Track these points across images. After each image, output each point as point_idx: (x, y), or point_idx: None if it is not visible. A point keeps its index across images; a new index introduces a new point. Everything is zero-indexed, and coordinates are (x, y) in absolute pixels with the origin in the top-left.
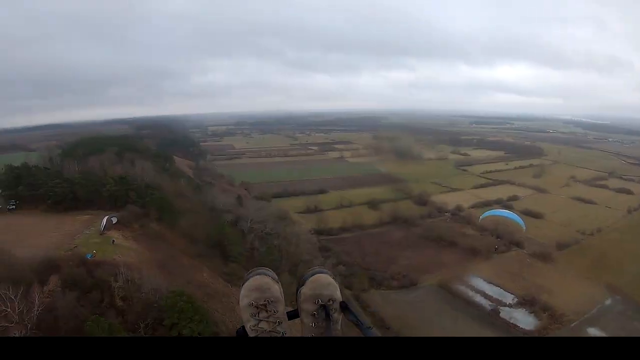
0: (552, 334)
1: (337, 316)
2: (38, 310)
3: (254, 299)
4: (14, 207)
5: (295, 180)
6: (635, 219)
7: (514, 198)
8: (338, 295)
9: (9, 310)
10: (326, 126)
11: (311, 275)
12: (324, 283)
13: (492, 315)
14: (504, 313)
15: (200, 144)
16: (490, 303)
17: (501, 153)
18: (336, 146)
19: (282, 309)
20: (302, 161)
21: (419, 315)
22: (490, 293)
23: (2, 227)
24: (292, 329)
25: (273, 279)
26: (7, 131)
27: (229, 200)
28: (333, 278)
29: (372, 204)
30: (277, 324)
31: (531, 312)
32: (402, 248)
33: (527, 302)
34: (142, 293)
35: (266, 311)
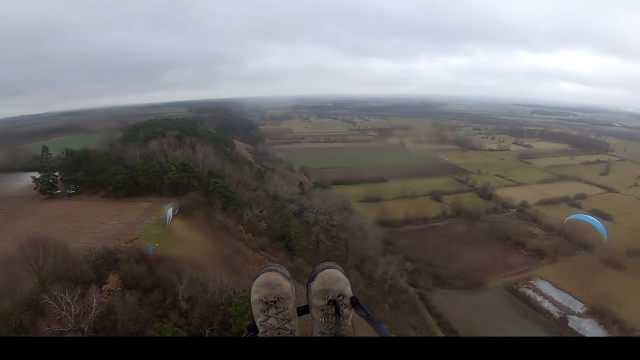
0: None
1: (347, 312)
2: (95, 313)
3: (264, 295)
4: (73, 192)
5: (355, 167)
6: None
7: (582, 197)
8: (348, 290)
9: (64, 313)
10: (384, 111)
11: (321, 271)
12: (334, 278)
13: (561, 324)
14: (573, 322)
15: (259, 127)
16: (559, 311)
17: (565, 146)
18: (395, 132)
19: (292, 306)
20: (361, 147)
21: (485, 320)
22: (558, 299)
23: (62, 213)
24: (303, 325)
25: (284, 275)
26: (69, 113)
27: (292, 189)
28: (343, 273)
29: (435, 196)
30: (286, 320)
31: (600, 324)
32: (466, 244)
33: (596, 313)
34: (208, 294)
35: (275, 307)
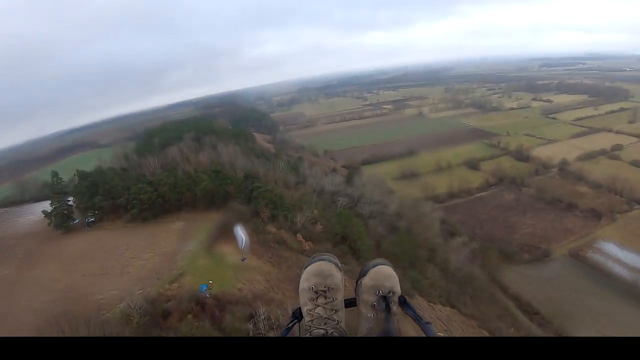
0: None
1: (396, 309)
2: None
3: (314, 284)
4: (92, 220)
5: (379, 143)
6: None
7: (618, 147)
8: (398, 288)
9: None
10: (392, 83)
11: (373, 267)
12: (386, 275)
13: (638, 288)
14: None
15: (270, 115)
16: (630, 273)
17: (584, 97)
18: (410, 102)
19: (340, 297)
20: (380, 122)
21: (562, 295)
22: (627, 261)
23: (85, 250)
24: (348, 319)
25: (336, 266)
26: (75, 130)
27: (335, 179)
28: (394, 270)
29: (471, 164)
30: (333, 311)
31: None
32: (518, 213)
33: None
34: None
35: (325, 297)
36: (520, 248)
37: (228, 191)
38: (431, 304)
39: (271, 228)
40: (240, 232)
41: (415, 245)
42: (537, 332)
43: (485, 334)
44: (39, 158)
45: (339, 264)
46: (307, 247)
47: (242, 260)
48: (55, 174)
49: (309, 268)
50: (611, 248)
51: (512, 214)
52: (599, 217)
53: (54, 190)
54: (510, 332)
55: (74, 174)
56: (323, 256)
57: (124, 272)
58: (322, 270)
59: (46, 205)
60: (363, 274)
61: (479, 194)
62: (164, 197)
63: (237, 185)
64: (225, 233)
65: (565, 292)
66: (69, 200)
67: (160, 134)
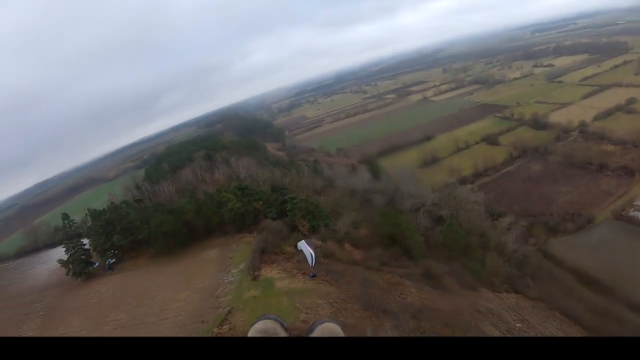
0: None
1: None
2: None
3: None
4: (113, 261)
5: (391, 133)
6: None
7: (633, 101)
8: None
9: None
10: (388, 72)
11: (320, 324)
12: (333, 332)
13: None
14: None
15: (273, 123)
16: None
17: (585, 56)
18: (412, 89)
19: None
20: (386, 112)
21: (617, 259)
22: None
23: (110, 298)
24: None
25: (282, 326)
26: (79, 168)
27: (361, 177)
28: (341, 329)
29: (490, 140)
30: None
31: None
32: (550, 182)
33: None
34: None
35: None
36: (563, 218)
37: (257, 208)
38: (497, 294)
39: (316, 241)
40: (307, 247)
41: (465, 233)
42: (603, 303)
43: (557, 315)
44: (47, 201)
45: (285, 323)
46: (358, 257)
47: (312, 277)
48: (66, 216)
49: (255, 326)
50: None
51: (545, 185)
52: (632, 174)
53: (67, 235)
54: (580, 309)
55: (86, 214)
56: (269, 315)
57: (161, 319)
58: (268, 329)
59: (61, 252)
60: (310, 332)
61: (505, 169)
62: (189, 225)
63: (266, 200)
64: (265, 255)
65: (619, 255)
66: (85, 244)
67: (169, 157)
